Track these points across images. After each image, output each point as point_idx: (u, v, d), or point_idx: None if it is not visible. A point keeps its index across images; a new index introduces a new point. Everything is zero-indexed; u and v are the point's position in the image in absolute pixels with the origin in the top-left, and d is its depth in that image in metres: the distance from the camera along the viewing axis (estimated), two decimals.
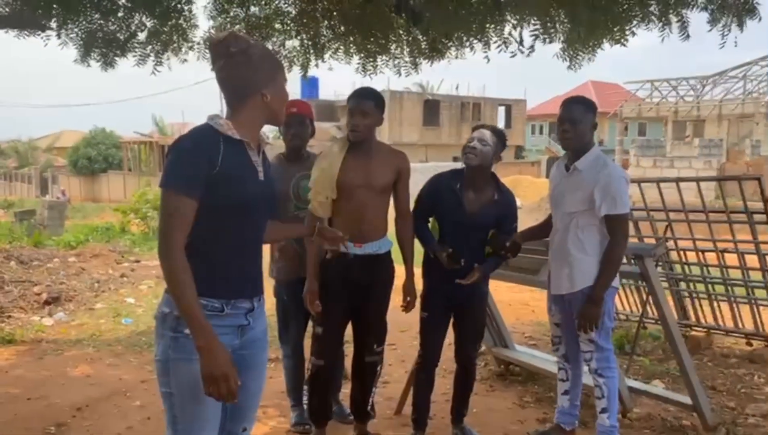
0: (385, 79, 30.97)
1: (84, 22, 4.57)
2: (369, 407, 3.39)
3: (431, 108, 34.94)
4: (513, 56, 4.10)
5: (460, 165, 3.31)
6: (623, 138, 29.02)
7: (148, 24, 4.87)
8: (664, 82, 28.75)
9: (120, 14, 4.67)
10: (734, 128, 27.29)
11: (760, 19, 4.13)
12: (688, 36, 4.19)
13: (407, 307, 3.27)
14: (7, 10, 4.29)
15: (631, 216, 5.19)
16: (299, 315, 3.45)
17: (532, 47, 4.15)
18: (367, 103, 3.03)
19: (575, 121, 3.09)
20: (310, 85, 32.06)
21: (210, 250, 1.89)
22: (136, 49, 4.92)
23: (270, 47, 5.30)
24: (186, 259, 1.81)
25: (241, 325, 1.97)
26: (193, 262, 1.83)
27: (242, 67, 1.90)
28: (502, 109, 38.67)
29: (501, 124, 38.28)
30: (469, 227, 3.19)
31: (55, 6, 4.34)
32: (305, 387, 3.49)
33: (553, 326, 3.45)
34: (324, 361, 3.18)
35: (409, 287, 3.25)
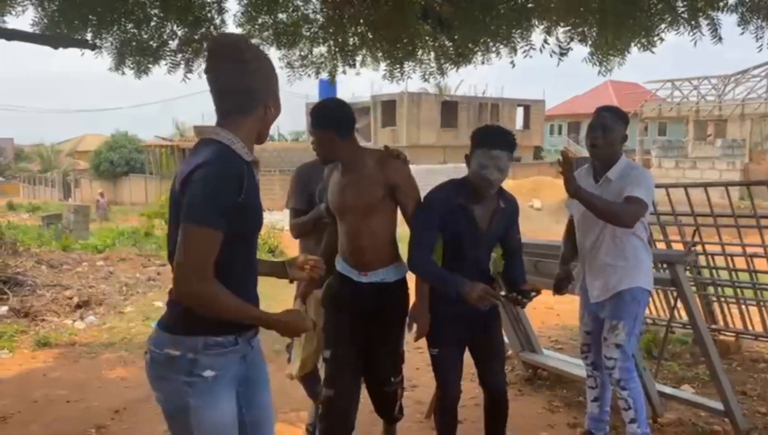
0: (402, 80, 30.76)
1: (118, 32, 4.68)
2: (396, 412, 3.15)
3: (449, 109, 34.89)
4: (557, 64, 4.12)
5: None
6: (644, 138, 28.81)
7: (179, 32, 4.96)
8: (685, 81, 28.49)
9: (152, 23, 4.77)
10: (757, 128, 26.96)
11: None
12: (720, 38, 4.16)
13: (417, 335, 2.88)
14: (45, 21, 4.38)
15: (658, 220, 5.19)
16: None
17: (568, 48, 4.16)
18: (314, 123, 2.74)
19: (606, 127, 3.05)
20: (328, 86, 32.23)
21: (223, 282, 1.76)
22: (168, 57, 5.02)
23: (297, 53, 5.37)
24: (219, 286, 1.72)
25: (245, 353, 1.89)
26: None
27: (255, 76, 1.78)
28: (520, 110, 38.53)
29: (519, 124, 38.17)
30: (482, 245, 2.89)
31: (90, 17, 4.44)
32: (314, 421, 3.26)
33: (584, 334, 3.44)
34: (334, 391, 2.82)
35: (418, 312, 2.84)
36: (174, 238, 1.75)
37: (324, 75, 5.50)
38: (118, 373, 4.84)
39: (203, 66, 5.29)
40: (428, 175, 2.87)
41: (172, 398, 1.78)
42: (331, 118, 2.73)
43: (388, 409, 3.13)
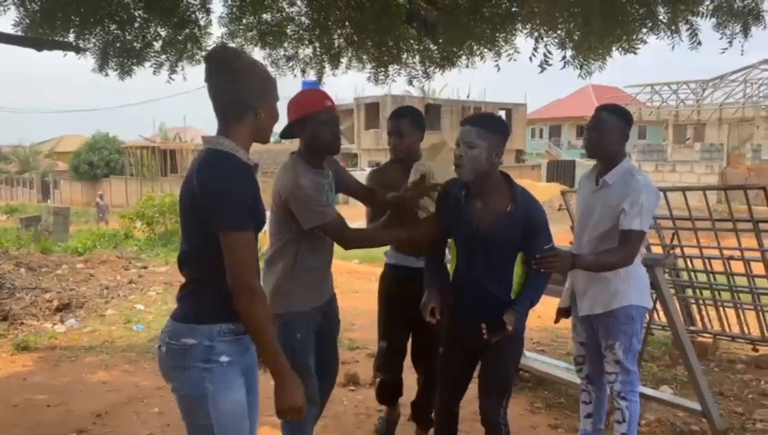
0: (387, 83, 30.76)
1: (101, 33, 4.65)
2: (432, 414, 3.20)
3: (432, 112, 35.01)
4: (541, 72, 4.09)
5: None
6: None
7: (163, 33, 4.95)
8: (664, 85, 28.89)
9: (136, 25, 4.74)
10: (735, 132, 27.41)
11: (765, 27, 4.20)
12: (699, 43, 4.24)
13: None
14: (27, 21, 4.34)
15: None
16: (310, 351, 2.85)
17: (548, 59, 4.17)
18: (402, 122, 3.13)
19: (600, 129, 2.92)
20: (309, 85, 32.10)
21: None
22: (152, 58, 4.99)
23: (282, 53, 5.38)
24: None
25: (249, 345, 2.01)
26: (218, 290, 1.86)
27: (244, 84, 1.91)
28: (502, 113, 38.74)
29: None
30: (481, 245, 2.59)
31: (73, 18, 4.41)
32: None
33: (577, 345, 3.27)
34: (389, 375, 3.35)
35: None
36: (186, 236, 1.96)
37: (311, 75, 5.52)
38: (99, 377, 4.79)
39: (188, 67, 5.28)
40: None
41: (191, 385, 1.88)
42: (412, 111, 3.20)
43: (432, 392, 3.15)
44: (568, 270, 2.79)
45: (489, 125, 2.54)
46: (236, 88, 1.91)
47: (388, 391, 3.47)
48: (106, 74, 4.89)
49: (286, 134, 2.80)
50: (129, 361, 5.19)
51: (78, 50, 4.65)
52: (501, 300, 2.61)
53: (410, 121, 3.16)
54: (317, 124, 2.67)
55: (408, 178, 3.06)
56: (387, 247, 3.31)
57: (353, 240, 2.75)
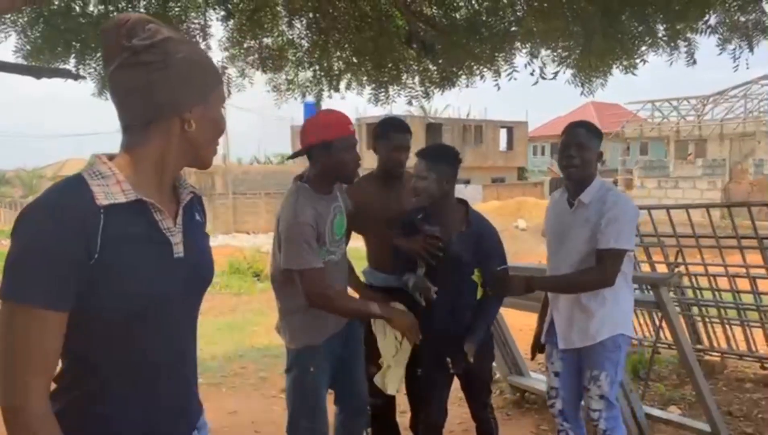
0: (387, 103, 30.90)
1: (101, 58, 4.67)
2: None
3: (434, 131, 35.14)
4: (535, 84, 4.10)
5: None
6: (625, 158, 29.21)
7: None
8: (665, 102, 28.99)
9: None
10: (736, 147, 27.43)
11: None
12: (694, 61, 4.27)
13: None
14: (28, 48, 4.35)
15: (641, 242, 5.23)
16: (323, 387, 2.70)
17: (556, 72, 4.18)
18: (407, 138, 3.09)
19: (582, 146, 2.71)
20: (313, 109, 32.21)
21: (101, 384, 1.21)
22: None
23: (283, 77, 5.38)
24: (48, 408, 1.13)
25: None
26: (76, 408, 1.20)
27: (154, 72, 1.17)
28: (503, 132, 38.91)
29: (503, 146, 38.51)
30: (443, 270, 2.74)
31: (74, 44, 4.43)
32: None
33: (551, 376, 3.01)
34: (381, 399, 3.07)
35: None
36: None
37: (310, 98, 5.52)
38: None
39: None
40: None
41: None
42: (407, 125, 3.13)
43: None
44: (523, 293, 2.78)
45: (435, 157, 2.77)
46: (145, 79, 1.17)
47: (382, 416, 3.17)
48: (106, 98, 4.89)
49: (295, 155, 2.71)
50: None
51: (77, 77, 4.66)
52: (468, 306, 2.82)
53: (410, 136, 3.13)
54: (342, 150, 2.48)
55: (387, 193, 3.04)
56: (365, 265, 3.21)
57: (319, 298, 2.47)
